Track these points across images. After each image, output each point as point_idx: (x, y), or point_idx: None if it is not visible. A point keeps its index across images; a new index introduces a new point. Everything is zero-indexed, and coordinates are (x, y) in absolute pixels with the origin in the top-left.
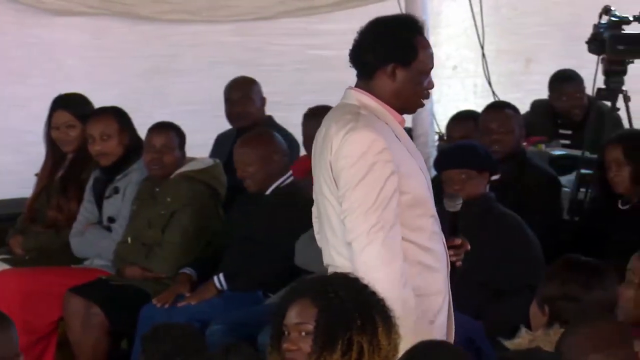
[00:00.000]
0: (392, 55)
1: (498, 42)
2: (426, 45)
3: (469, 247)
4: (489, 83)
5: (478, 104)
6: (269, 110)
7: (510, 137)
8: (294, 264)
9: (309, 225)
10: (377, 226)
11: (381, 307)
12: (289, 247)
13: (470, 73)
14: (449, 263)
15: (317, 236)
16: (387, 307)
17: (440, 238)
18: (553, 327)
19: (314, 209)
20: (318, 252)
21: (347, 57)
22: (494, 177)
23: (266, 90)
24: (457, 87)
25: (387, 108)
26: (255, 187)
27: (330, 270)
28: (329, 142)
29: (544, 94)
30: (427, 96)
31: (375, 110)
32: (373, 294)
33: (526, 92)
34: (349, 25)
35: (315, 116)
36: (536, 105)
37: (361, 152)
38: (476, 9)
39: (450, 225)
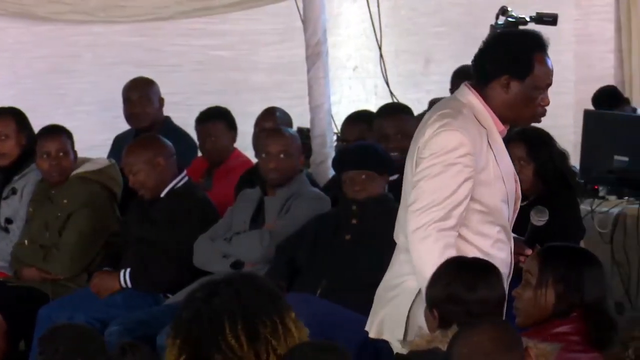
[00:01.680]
0: (508, 68)
1: (398, 42)
2: (544, 62)
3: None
4: (387, 83)
5: (379, 105)
6: (168, 111)
7: (407, 141)
8: (193, 265)
9: (207, 226)
10: (438, 224)
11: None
12: (188, 248)
13: (370, 74)
14: (512, 271)
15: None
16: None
17: (507, 247)
18: (451, 327)
19: None
20: (216, 252)
21: (247, 58)
22: (392, 178)
23: (165, 90)
24: (357, 88)
25: (491, 114)
26: (149, 194)
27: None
28: (425, 129)
29: (443, 94)
30: (542, 112)
31: (479, 112)
32: (262, 293)
33: (426, 92)
34: (248, 26)
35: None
36: (434, 103)
37: (447, 150)
38: (375, 10)
39: (530, 236)
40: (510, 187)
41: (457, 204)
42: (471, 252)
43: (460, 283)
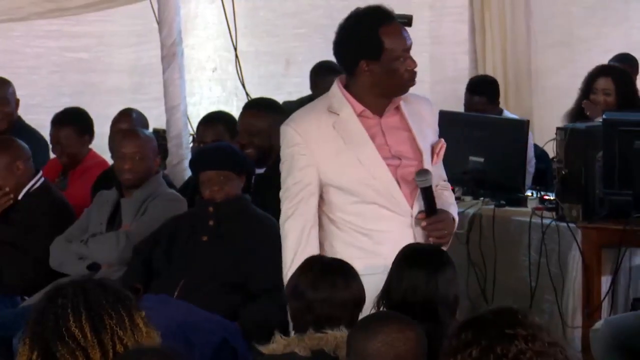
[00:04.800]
0: (361, 54)
1: (257, 44)
2: (393, 32)
3: (446, 221)
4: (243, 85)
5: (240, 107)
6: (27, 114)
7: (258, 139)
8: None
9: (64, 227)
10: (286, 214)
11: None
12: (44, 250)
13: (231, 75)
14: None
15: None
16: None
17: (386, 214)
18: (308, 332)
19: None
20: (72, 254)
21: (104, 60)
22: (260, 171)
23: (23, 92)
24: (217, 89)
25: (349, 98)
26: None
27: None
28: None
29: (304, 95)
30: (410, 77)
31: (333, 99)
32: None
33: (287, 94)
34: (104, 27)
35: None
36: (287, 104)
37: (282, 144)
38: (230, 11)
39: (425, 201)
40: (377, 168)
41: (297, 191)
42: (349, 234)
43: (305, 279)
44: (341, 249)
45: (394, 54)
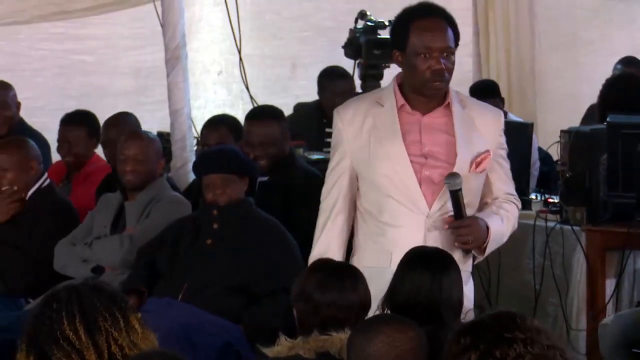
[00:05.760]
0: (393, 43)
1: (263, 47)
2: (422, 28)
3: (472, 226)
4: (247, 88)
5: (245, 110)
6: (30, 116)
7: (273, 149)
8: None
9: (68, 230)
10: (323, 196)
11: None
12: (49, 251)
13: (236, 78)
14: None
15: None
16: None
17: (404, 211)
18: (312, 334)
19: None
20: (76, 257)
21: (109, 62)
22: (262, 179)
23: (27, 95)
24: (223, 93)
25: (396, 91)
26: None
27: None
28: None
29: (310, 98)
30: (431, 78)
31: (384, 91)
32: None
33: (294, 97)
34: (108, 30)
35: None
36: (300, 106)
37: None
38: (234, 14)
39: (453, 204)
40: (399, 163)
41: (332, 184)
42: (373, 227)
43: (313, 281)
44: (362, 240)
45: (416, 49)
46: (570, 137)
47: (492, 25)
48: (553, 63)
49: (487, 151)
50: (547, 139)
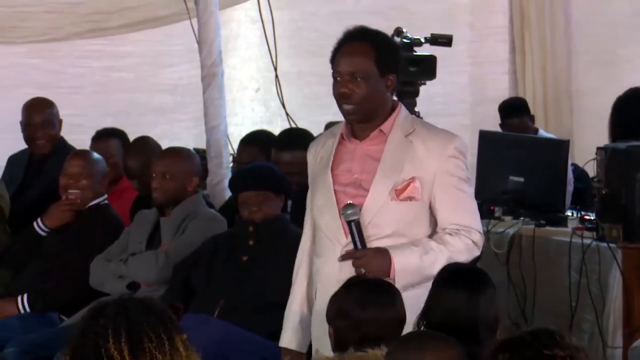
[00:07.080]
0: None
1: (300, 64)
2: (340, 52)
3: (366, 257)
4: (283, 105)
5: (283, 127)
6: (69, 133)
7: (297, 177)
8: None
9: (105, 246)
10: None
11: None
12: (87, 267)
13: (274, 95)
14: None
15: None
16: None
17: (326, 243)
18: (348, 351)
19: None
20: (112, 273)
21: (147, 79)
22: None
23: (66, 112)
24: (260, 110)
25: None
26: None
27: None
28: None
29: None
30: (339, 101)
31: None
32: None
33: (333, 114)
34: (145, 47)
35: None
36: (331, 125)
37: None
38: (270, 31)
39: (351, 235)
40: (326, 194)
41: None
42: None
43: (350, 299)
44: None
45: (333, 73)
46: (606, 154)
47: (529, 43)
48: (590, 80)
49: (412, 179)
50: (584, 156)
